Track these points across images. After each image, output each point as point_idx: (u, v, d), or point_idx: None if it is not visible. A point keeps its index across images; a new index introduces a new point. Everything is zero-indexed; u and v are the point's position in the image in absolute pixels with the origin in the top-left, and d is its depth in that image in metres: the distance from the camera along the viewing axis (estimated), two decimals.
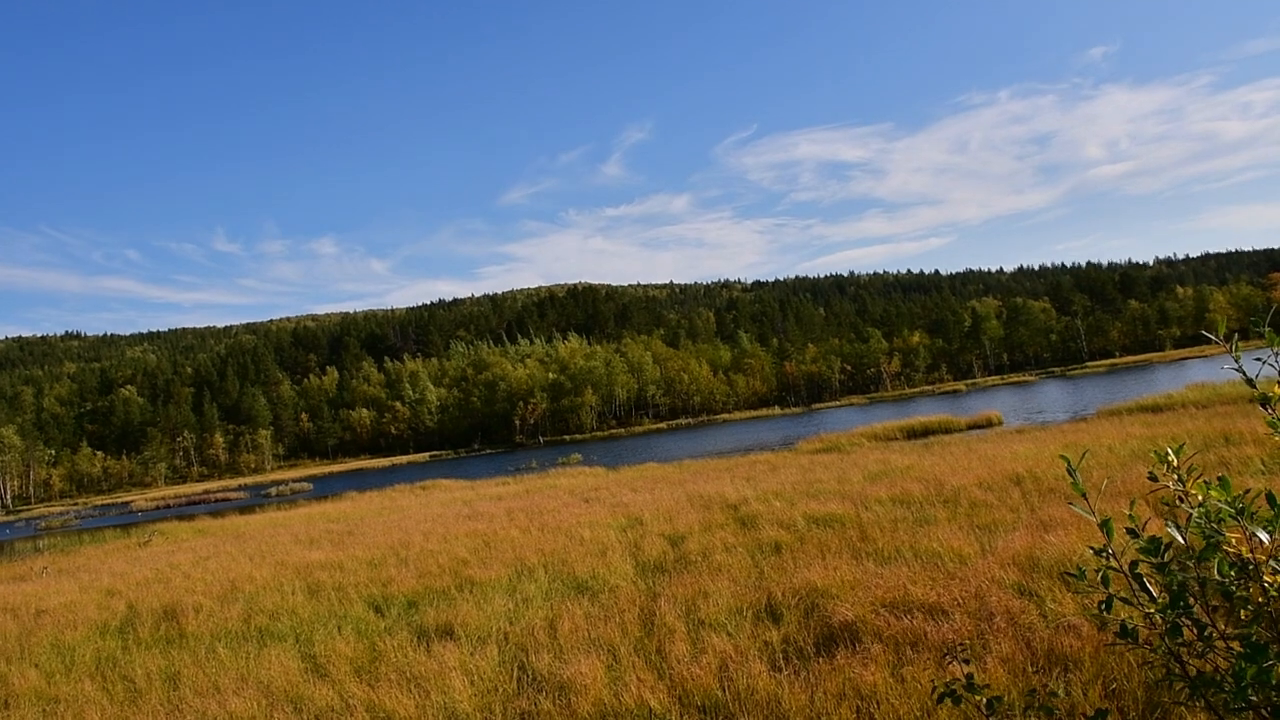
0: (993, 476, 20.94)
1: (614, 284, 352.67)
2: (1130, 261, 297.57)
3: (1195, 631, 2.70)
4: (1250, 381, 2.75)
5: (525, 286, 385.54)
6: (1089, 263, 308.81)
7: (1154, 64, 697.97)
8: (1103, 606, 2.88)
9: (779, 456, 42.30)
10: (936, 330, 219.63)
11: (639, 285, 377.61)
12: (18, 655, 15.74)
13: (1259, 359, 3.13)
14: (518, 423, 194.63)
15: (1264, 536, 2.58)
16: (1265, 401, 2.79)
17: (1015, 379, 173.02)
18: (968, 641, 8.93)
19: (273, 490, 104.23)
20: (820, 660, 9.17)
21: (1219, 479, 2.71)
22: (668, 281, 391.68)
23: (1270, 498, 2.60)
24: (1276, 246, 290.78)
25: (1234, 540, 2.64)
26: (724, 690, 8.81)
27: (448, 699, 9.51)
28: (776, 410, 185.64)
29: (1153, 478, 3.00)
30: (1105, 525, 2.94)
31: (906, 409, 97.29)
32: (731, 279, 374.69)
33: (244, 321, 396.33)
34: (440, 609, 14.30)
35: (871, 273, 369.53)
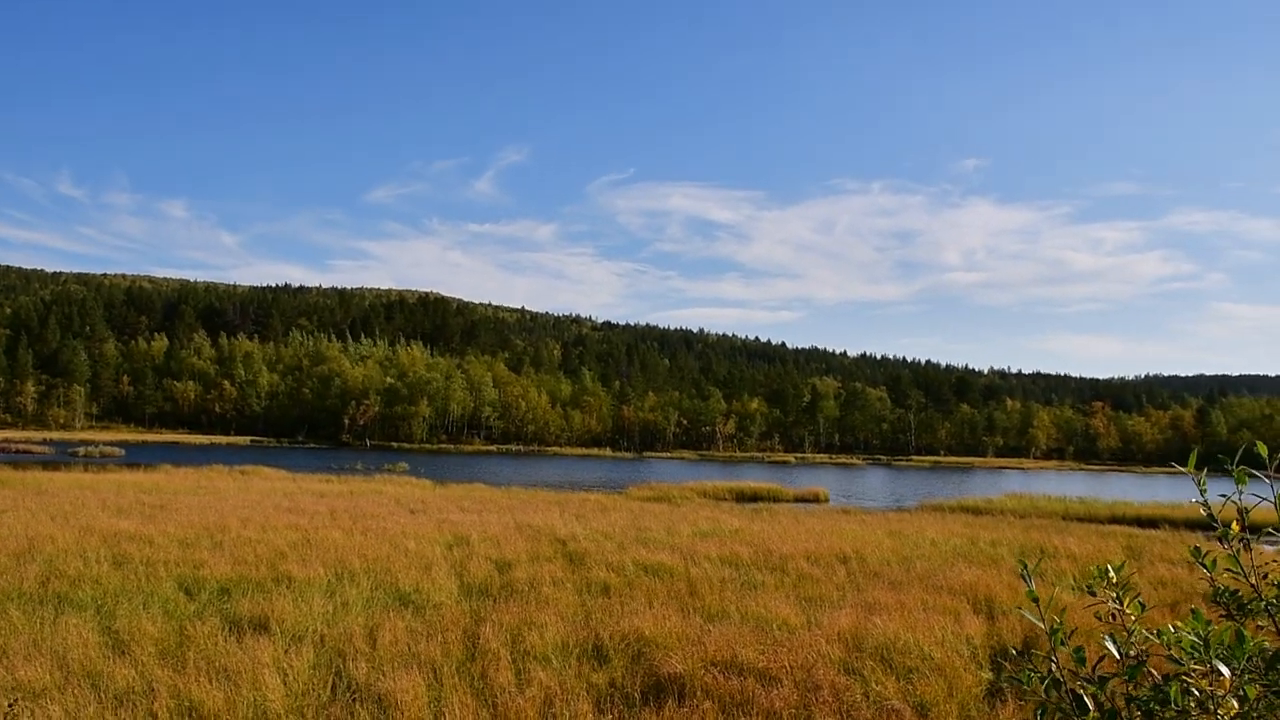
0: (820, 551, 21.44)
1: (466, 299, 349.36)
2: (967, 367, 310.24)
3: None
4: (1212, 517, 2.88)
5: (376, 286, 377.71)
6: (929, 361, 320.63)
7: (1021, 185, 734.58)
8: (1038, 713, 2.94)
9: (609, 498, 42.43)
10: (775, 400, 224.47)
11: (491, 305, 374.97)
12: None
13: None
14: (347, 422, 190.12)
15: (1225, 670, 2.69)
16: (1223, 537, 2.91)
17: (843, 460, 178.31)
18: (795, 710, 9.09)
19: (81, 450, 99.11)
20: (647, 709, 9.18)
21: (1192, 611, 2.82)
22: (520, 306, 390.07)
23: (1239, 634, 2.72)
24: (1101, 377, 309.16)
25: (1195, 671, 2.75)
26: None
27: (259, 696, 9.15)
28: (609, 451, 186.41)
29: (1091, 592, 3.09)
30: (1055, 634, 3.02)
31: (736, 471, 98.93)
32: (583, 315, 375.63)
33: (76, 270, 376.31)
34: (255, 600, 13.78)
35: (720, 334, 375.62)
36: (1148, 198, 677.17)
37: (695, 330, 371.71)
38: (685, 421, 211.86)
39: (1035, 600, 3.05)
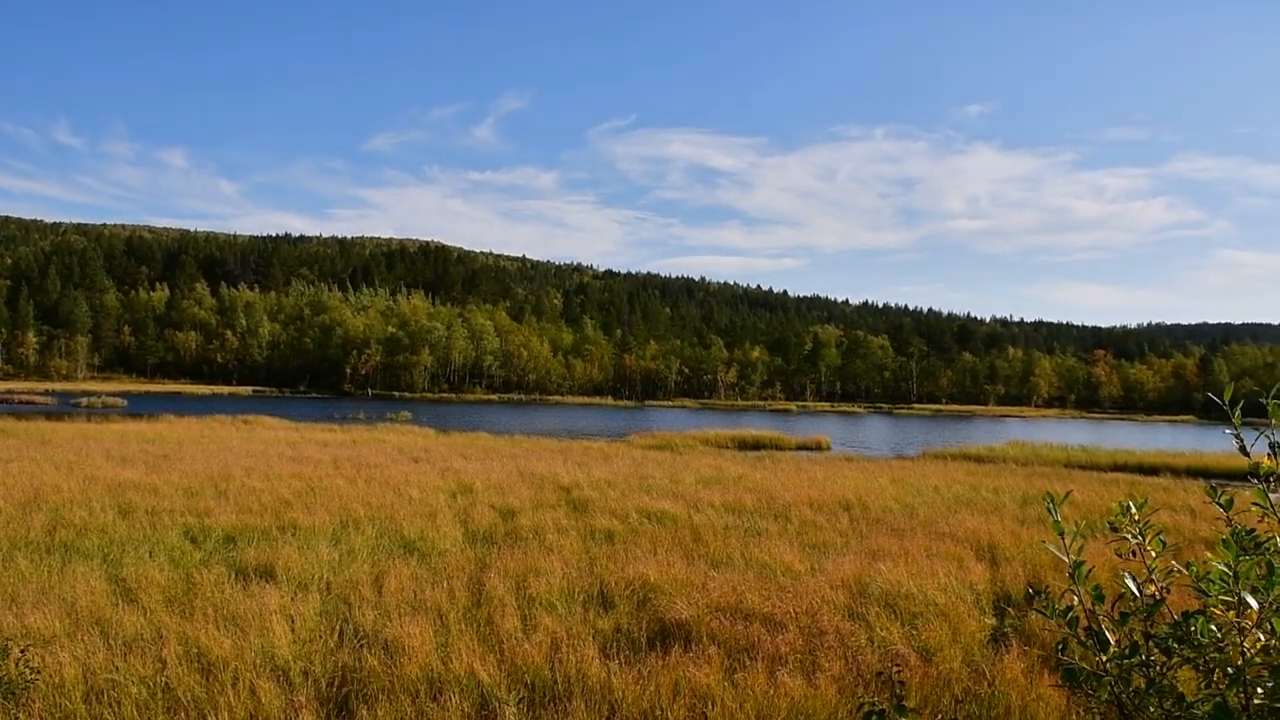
0: (823, 498, 21.51)
1: (467, 248, 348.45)
2: (969, 315, 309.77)
3: (1146, 682, 2.77)
4: (1244, 450, 2.84)
5: (376, 235, 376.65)
6: (930, 309, 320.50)
7: (1025, 131, 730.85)
8: (1059, 647, 2.92)
9: (612, 446, 42.54)
10: (777, 349, 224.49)
11: (491, 254, 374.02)
12: None
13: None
14: (349, 372, 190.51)
15: (1252, 602, 2.66)
16: (1255, 473, 2.87)
17: (845, 408, 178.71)
18: (800, 655, 9.13)
19: (83, 400, 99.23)
20: (654, 654, 9.21)
21: (1222, 541, 2.77)
22: (521, 255, 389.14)
23: (1270, 566, 2.68)
24: (1103, 326, 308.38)
25: (1220, 605, 2.72)
26: (554, 671, 8.78)
27: (266, 642, 9.18)
28: (610, 400, 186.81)
29: (1114, 528, 3.06)
30: (1076, 570, 2.99)
31: (738, 419, 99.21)
32: (584, 263, 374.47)
33: (75, 221, 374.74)
34: (261, 548, 13.83)
35: (722, 282, 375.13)
36: (1152, 144, 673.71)
37: (697, 278, 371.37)
38: (687, 370, 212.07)
39: (1061, 534, 3.01)
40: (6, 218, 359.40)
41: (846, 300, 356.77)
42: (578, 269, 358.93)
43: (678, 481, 25.24)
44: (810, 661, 9.01)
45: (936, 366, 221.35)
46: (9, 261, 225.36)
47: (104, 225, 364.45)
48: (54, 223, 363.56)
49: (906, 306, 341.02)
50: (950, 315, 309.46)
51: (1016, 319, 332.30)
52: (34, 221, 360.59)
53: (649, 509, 19.19)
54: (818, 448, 52.20)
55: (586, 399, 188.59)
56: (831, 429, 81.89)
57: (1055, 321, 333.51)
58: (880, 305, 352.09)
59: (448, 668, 8.72)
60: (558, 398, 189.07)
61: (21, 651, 7.89)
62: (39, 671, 7.91)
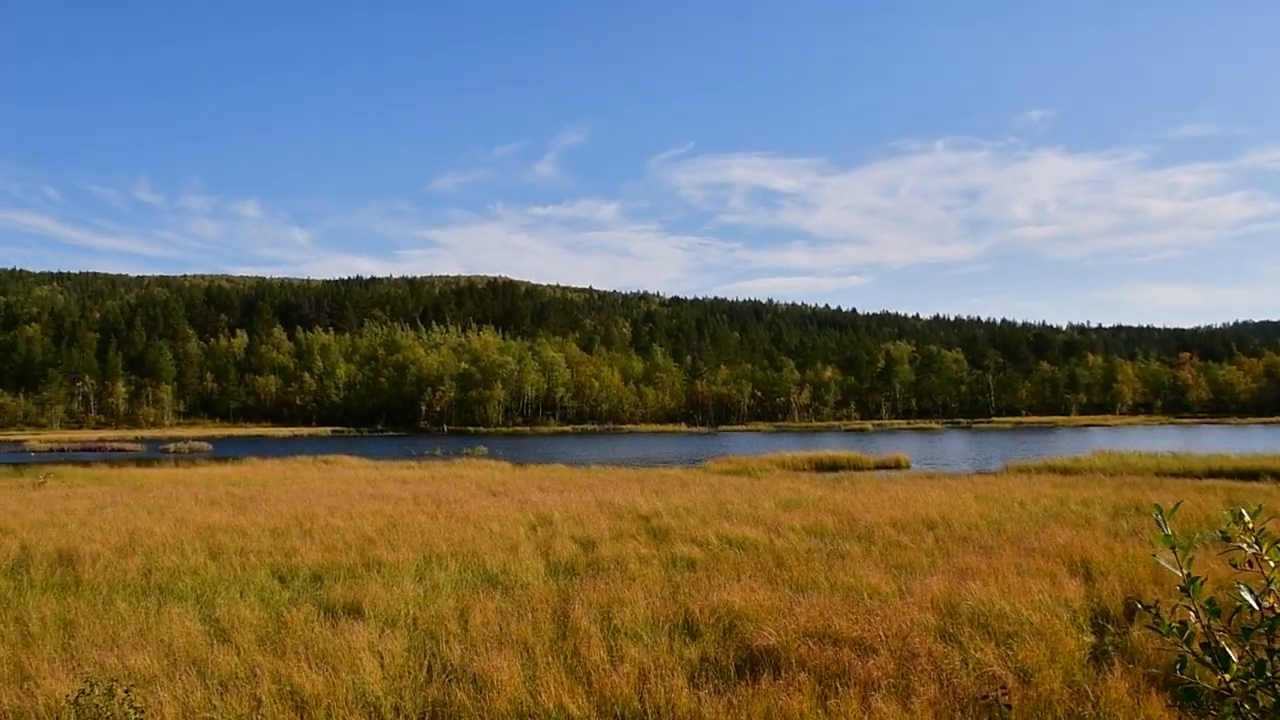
0: (906, 518, 21.18)
1: (534, 282, 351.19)
2: (1044, 324, 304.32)
3: (1275, 701, 2.65)
4: None
5: (445, 273, 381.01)
6: (1004, 320, 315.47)
7: (1089, 133, 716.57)
8: (1177, 665, 2.80)
9: (688, 473, 42.40)
10: (849, 368, 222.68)
11: (558, 286, 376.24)
12: None
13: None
14: (424, 409, 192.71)
15: None
16: None
17: (921, 425, 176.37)
18: (893, 679, 8.97)
19: (171, 446, 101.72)
20: (743, 683, 9.11)
21: None
22: (587, 286, 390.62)
23: None
24: (1186, 327, 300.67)
25: None
26: (643, 702, 8.72)
27: (357, 679, 9.27)
28: (683, 427, 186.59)
29: (1226, 537, 2.94)
30: (1191, 584, 2.88)
31: (813, 441, 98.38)
32: (651, 292, 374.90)
33: (158, 273, 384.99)
34: (347, 586, 13.99)
35: (790, 303, 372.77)
36: (1225, 138, 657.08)
37: (764, 301, 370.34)
38: (759, 393, 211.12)
39: (1173, 547, 2.90)
40: (94, 273, 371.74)
41: (917, 315, 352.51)
42: (644, 297, 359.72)
43: (756, 506, 25.03)
44: (904, 686, 8.84)
45: (1014, 378, 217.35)
46: (98, 315, 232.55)
47: (184, 276, 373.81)
48: (138, 276, 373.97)
49: (979, 318, 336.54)
50: (1025, 325, 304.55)
51: (1094, 325, 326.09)
52: (119, 276, 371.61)
53: (729, 535, 19.04)
54: (897, 466, 51.53)
55: (659, 426, 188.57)
56: (909, 447, 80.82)
57: (1135, 325, 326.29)
58: (952, 318, 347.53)
59: (536, 701, 8.71)
60: (631, 426, 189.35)
61: (125, 692, 8.10)
62: (142, 711, 8.09)
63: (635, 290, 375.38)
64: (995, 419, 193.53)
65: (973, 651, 9.77)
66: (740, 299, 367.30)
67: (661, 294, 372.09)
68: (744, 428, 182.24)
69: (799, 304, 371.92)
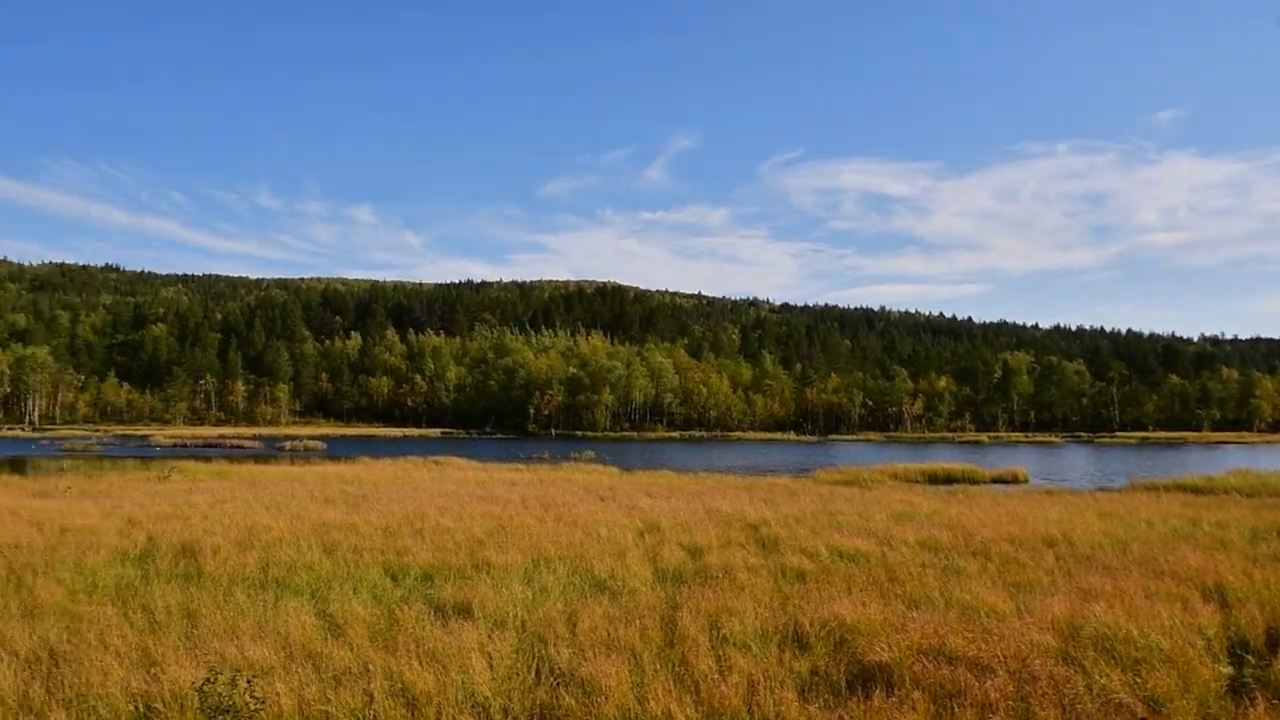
0: (1024, 534, 20.55)
1: (642, 287, 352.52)
2: (1174, 335, 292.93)
3: None
4: None
5: (554, 278, 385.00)
6: (1130, 330, 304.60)
7: (1225, 134, 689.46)
8: None
9: (797, 482, 41.96)
10: (964, 378, 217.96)
11: (667, 292, 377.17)
12: (42, 569, 15.80)
13: None
14: (532, 412, 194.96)
15: None
16: None
17: (1040, 438, 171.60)
18: (1012, 702, 8.65)
19: (287, 444, 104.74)
20: (854, 699, 8.91)
21: None
22: (696, 292, 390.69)
23: None
24: None
25: None
26: (751, 713, 8.63)
27: (466, 679, 9.34)
28: (792, 435, 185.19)
29: None
30: None
31: (926, 453, 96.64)
32: (760, 298, 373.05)
33: (276, 276, 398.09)
34: (457, 586, 14.14)
35: (902, 311, 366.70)
36: None
37: (876, 308, 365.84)
38: (870, 402, 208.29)
39: None
40: (216, 276, 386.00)
41: (1036, 324, 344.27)
42: (754, 304, 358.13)
43: (868, 518, 24.58)
44: (1023, 709, 8.53)
45: (1140, 391, 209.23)
46: (219, 317, 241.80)
47: (301, 279, 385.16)
48: (257, 279, 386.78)
49: (1102, 328, 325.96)
50: (1152, 335, 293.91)
51: (1229, 336, 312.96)
52: (240, 278, 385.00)
53: (840, 546, 18.72)
54: (1014, 480, 50.13)
55: (768, 434, 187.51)
56: (1027, 460, 78.66)
57: (1276, 337, 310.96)
58: (1073, 328, 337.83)
59: (644, 708, 8.66)
60: (739, 434, 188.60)
61: (247, 682, 8.29)
62: (262, 701, 8.28)
63: (744, 296, 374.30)
64: (1119, 434, 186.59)
65: (1097, 677, 9.38)
66: (852, 306, 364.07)
67: (771, 300, 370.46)
68: (854, 437, 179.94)
69: (912, 311, 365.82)
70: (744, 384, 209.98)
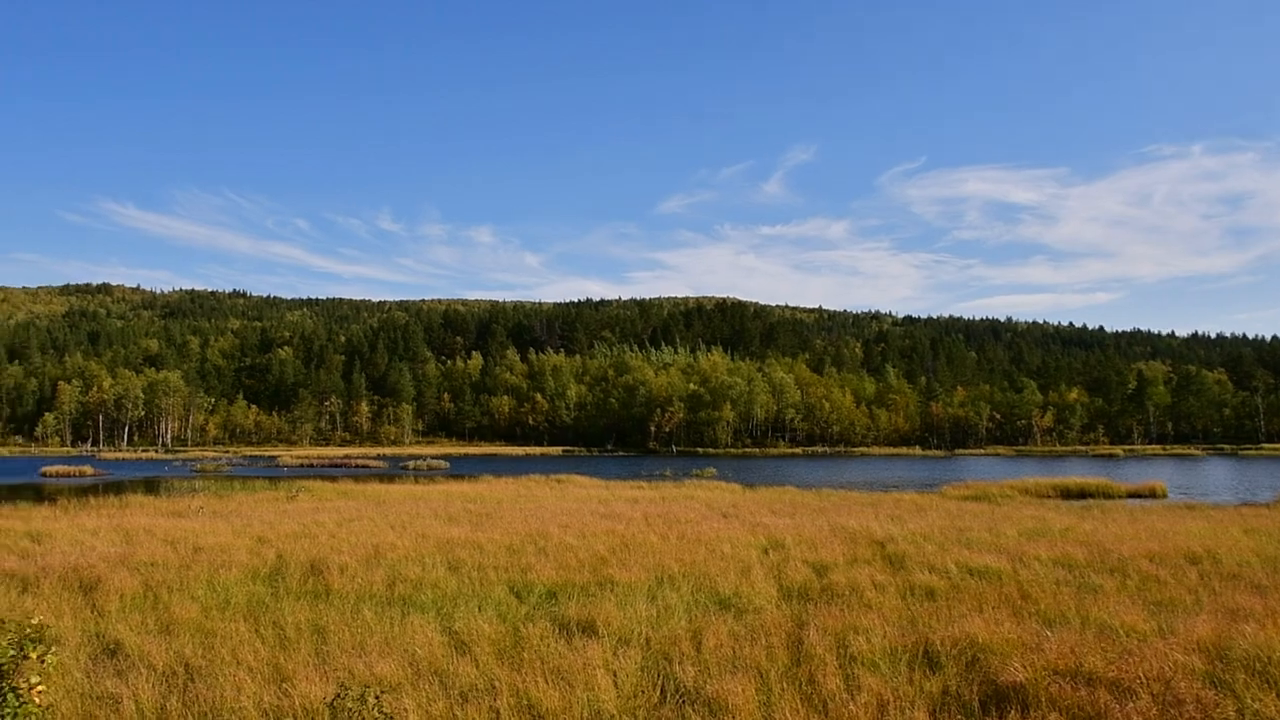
0: (1164, 551, 19.74)
1: (762, 302, 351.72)
2: None
3: None
4: None
5: (673, 295, 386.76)
6: (1275, 337, 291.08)
7: None
8: None
9: (924, 498, 41.07)
10: (1096, 389, 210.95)
11: (787, 306, 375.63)
12: (177, 586, 16.34)
13: None
14: (653, 429, 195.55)
15: None
16: None
17: (1179, 451, 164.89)
18: None
19: (410, 464, 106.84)
20: None
21: None
22: (817, 306, 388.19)
23: None
24: None
25: None
26: None
27: (592, 696, 9.33)
28: (917, 450, 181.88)
29: None
30: None
31: (1057, 466, 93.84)
32: (883, 310, 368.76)
33: (398, 299, 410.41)
34: (581, 604, 14.18)
35: (1030, 321, 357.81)
36: None
37: (1002, 319, 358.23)
38: (998, 416, 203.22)
39: None
40: (340, 299, 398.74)
41: (1172, 333, 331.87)
42: (876, 317, 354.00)
43: (998, 534, 23.93)
44: None
45: None
46: (343, 339, 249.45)
47: (422, 301, 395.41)
48: (379, 301, 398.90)
49: (1244, 335, 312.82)
50: None
51: None
52: (363, 301, 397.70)
53: (969, 564, 18.26)
54: (1151, 495, 48.21)
55: (893, 449, 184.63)
56: (1166, 474, 75.71)
57: None
58: (1213, 336, 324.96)
59: None
60: (862, 449, 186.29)
61: (376, 698, 8.42)
62: (391, 717, 8.40)
63: (866, 309, 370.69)
64: (1266, 445, 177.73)
65: (1249, 701, 8.91)
66: (977, 317, 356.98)
67: (894, 313, 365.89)
68: (982, 451, 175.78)
69: (1040, 322, 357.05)
70: (867, 398, 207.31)
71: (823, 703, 9.21)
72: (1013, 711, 8.81)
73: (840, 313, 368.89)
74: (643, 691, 9.64)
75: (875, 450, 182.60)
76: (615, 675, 10.04)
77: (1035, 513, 31.57)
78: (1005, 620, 12.52)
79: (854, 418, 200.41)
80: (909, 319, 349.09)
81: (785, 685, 9.73)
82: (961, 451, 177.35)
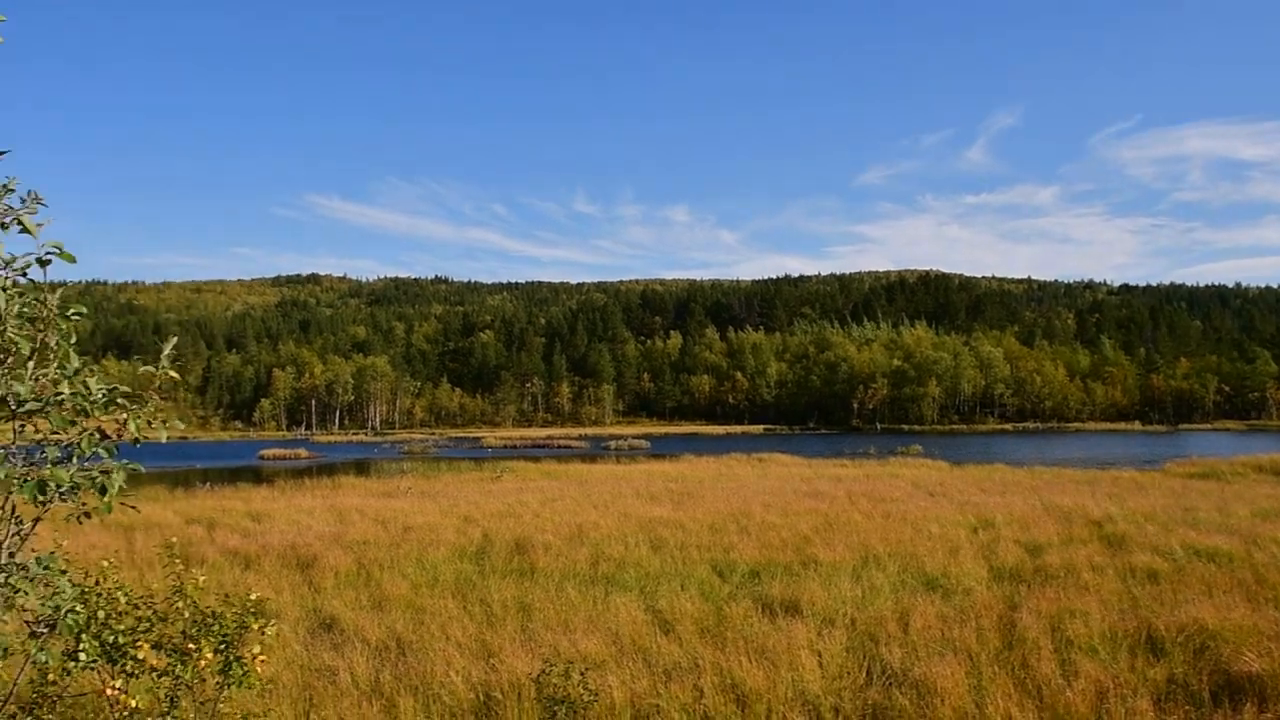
0: None
1: (967, 274, 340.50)
2: None
3: None
4: None
5: (874, 269, 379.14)
6: None
7: None
8: None
9: (1144, 476, 39.02)
10: None
11: (994, 278, 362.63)
12: (388, 564, 17.17)
13: None
14: (855, 406, 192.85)
15: None
16: None
17: None
18: None
19: (611, 444, 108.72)
20: (1219, 712, 8.16)
21: None
22: (1025, 276, 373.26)
23: None
24: None
25: None
26: None
27: (796, 676, 9.28)
28: (1137, 425, 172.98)
29: None
30: None
31: None
32: (1096, 279, 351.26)
33: (595, 280, 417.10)
34: (784, 583, 14.11)
35: (1263, 286, 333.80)
36: None
37: (1230, 285, 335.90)
38: (1226, 388, 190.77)
39: None
40: (539, 282, 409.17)
41: None
42: (1089, 286, 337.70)
43: (1229, 514, 22.47)
44: None
45: None
46: (543, 321, 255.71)
47: (620, 281, 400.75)
48: (578, 283, 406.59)
49: None
50: None
51: None
52: (561, 284, 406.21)
53: (1196, 545, 17.21)
54: None
55: (1109, 425, 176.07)
56: None
57: None
58: None
59: (982, 713, 8.32)
60: (1076, 425, 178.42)
61: (581, 674, 8.60)
62: (595, 694, 8.54)
63: (1079, 279, 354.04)
64: None
65: None
66: (1201, 284, 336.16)
67: (1109, 282, 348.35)
68: (1209, 426, 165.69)
69: (1275, 286, 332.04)
70: (1081, 372, 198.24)
71: (1037, 688, 8.88)
72: (1248, 704, 8.28)
73: (1051, 282, 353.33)
74: (848, 673, 9.54)
75: (1090, 426, 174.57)
76: (820, 656, 9.97)
77: (1272, 491, 29.56)
78: (1238, 606, 11.76)
79: (1067, 392, 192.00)
80: (1125, 287, 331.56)
81: (996, 669, 9.44)
82: (1186, 426, 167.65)
